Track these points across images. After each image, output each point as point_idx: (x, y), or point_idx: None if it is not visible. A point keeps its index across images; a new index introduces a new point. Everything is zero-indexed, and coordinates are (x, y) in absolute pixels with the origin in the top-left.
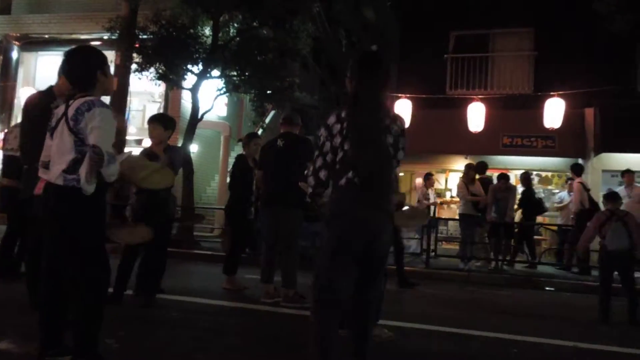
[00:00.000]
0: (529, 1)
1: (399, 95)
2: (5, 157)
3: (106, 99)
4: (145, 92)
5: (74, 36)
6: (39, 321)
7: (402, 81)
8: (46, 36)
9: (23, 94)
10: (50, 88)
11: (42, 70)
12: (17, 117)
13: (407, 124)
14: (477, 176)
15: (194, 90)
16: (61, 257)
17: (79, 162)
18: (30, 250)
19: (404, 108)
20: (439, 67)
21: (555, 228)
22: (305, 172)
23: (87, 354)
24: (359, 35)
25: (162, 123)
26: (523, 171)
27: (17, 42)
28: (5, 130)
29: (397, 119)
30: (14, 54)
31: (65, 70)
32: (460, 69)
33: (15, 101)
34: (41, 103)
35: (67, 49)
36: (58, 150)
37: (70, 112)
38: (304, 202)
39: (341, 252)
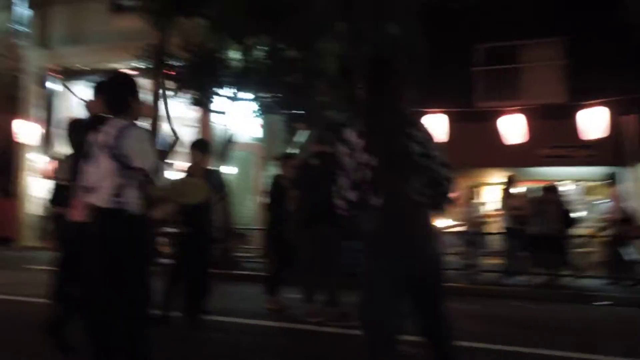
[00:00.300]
0: (557, 11)
1: (432, 110)
2: (56, 185)
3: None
4: (179, 117)
5: (109, 66)
6: (91, 343)
7: (433, 96)
8: (82, 67)
9: (63, 124)
10: (95, 114)
11: (79, 100)
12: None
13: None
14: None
15: (225, 113)
16: (108, 279)
17: (123, 185)
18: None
19: (438, 122)
20: (467, 80)
21: (602, 239)
22: (333, 193)
23: None
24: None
25: (199, 149)
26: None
27: (55, 74)
28: (58, 160)
29: (417, 125)
30: (53, 86)
31: (101, 96)
32: (489, 81)
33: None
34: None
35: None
36: (100, 174)
37: (107, 138)
38: (341, 219)
39: (379, 273)
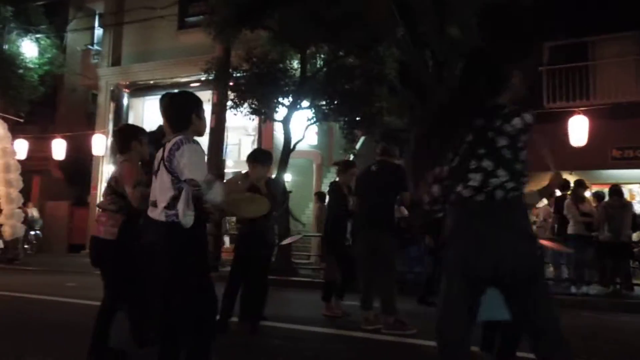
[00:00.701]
0: (630, 4)
1: None
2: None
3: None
4: (240, 126)
5: (175, 80)
6: (159, 352)
7: None
8: (151, 82)
9: None
10: (161, 127)
11: (148, 113)
12: None
13: None
14: (559, 193)
15: (285, 121)
16: (167, 290)
17: (176, 198)
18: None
19: None
20: (534, 80)
21: None
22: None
23: None
24: (445, 55)
25: (260, 162)
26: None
27: (126, 90)
28: None
29: (514, 115)
30: (125, 101)
31: (163, 113)
32: (557, 80)
33: None
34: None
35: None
36: (160, 189)
37: (166, 153)
38: (397, 226)
39: (458, 276)
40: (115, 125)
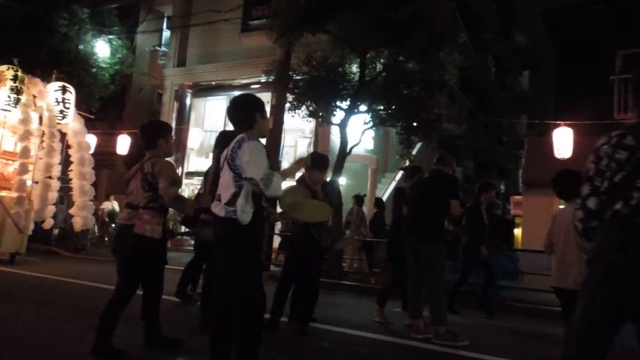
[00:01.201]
0: None
1: (557, 122)
2: (197, 193)
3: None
4: (297, 128)
5: (236, 81)
6: (209, 341)
7: (559, 108)
8: (213, 83)
9: (194, 135)
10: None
11: (210, 113)
12: (190, 156)
13: (568, 154)
14: None
15: (342, 125)
16: (225, 281)
17: (236, 195)
18: (206, 276)
19: (563, 136)
20: (604, 90)
21: None
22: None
23: None
24: (508, 61)
25: (318, 167)
26: None
27: (190, 90)
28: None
29: None
30: (187, 101)
31: (229, 114)
32: (630, 90)
33: (189, 142)
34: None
35: (230, 93)
36: (224, 185)
37: (229, 152)
38: (445, 236)
39: (602, 298)
40: (178, 124)
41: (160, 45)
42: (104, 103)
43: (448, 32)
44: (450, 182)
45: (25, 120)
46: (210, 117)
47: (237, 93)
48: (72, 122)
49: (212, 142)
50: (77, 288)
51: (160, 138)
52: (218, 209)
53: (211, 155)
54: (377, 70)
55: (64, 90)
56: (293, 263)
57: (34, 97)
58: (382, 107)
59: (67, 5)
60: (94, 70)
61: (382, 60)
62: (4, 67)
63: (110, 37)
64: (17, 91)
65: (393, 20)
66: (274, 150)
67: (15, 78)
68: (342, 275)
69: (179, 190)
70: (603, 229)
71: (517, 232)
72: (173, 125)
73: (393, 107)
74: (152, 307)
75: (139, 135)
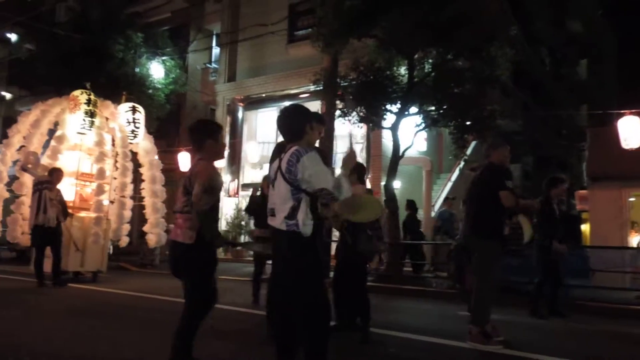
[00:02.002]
0: None
1: (622, 112)
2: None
3: None
4: (348, 134)
5: (285, 92)
6: (276, 354)
7: (623, 96)
8: (263, 95)
9: (247, 148)
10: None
11: (261, 125)
12: (244, 168)
13: (637, 143)
14: None
15: (393, 128)
16: (288, 292)
17: (296, 208)
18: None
19: (629, 126)
20: None
21: None
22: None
23: None
24: (563, 51)
25: (360, 179)
26: None
27: (241, 103)
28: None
29: None
30: (239, 114)
31: (279, 124)
32: None
33: (242, 155)
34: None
35: (280, 104)
36: (279, 199)
37: (283, 164)
38: (497, 233)
39: None
40: (231, 137)
41: (210, 62)
42: (160, 122)
43: (497, 26)
44: (493, 173)
45: (99, 142)
46: (262, 129)
47: (287, 103)
48: (143, 141)
49: (265, 153)
50: (154, 303)
51: (209, 138)
52: (277, 222)
53: (266, 166)
54: (426, 70)
55: (134, 110)
56: (338, 269)
57: (107, 119)
58: (433, 108)
59: (122, 31)
60: (150, 91)
61: (430, 60)
62: (77, 92)
63: (164, 58)
64: (91, 114)
65: (439, 19)
66: (326, 157)
67: (89, 102)
68: (402, 279)
69: (217, 198)
70: None
71: (584, 228)
72: (227, 139)
73: (444, 106)
74: (188, 323)
75: (279, 126)
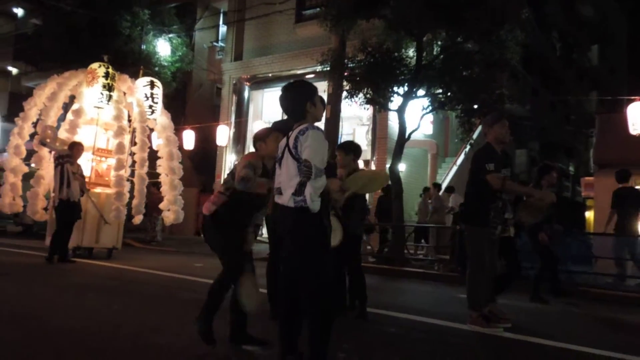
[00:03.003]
0: None
1: (632, 98)
2: None
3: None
4: (354, 116)
5: (292, 72)
6: (278, 330)
7: (633, 82)
8: (270, 75)
9: (253, 127)
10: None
11: (268, 105)
12: (250, 148)
13: None
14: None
15: (400, 111)
16: (295, 271)
17: (303, 184)
18: (269, 265)
19: (638, 112)
20: None
21: None
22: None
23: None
24: (575, 35)
25: (343, 150)
26: None
27: (247, 83)
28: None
29: None
30: (246, 94)
31: (281, 104)
32: None
33: (248, 134)
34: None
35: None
36: (286, 176)
37: (291, 141)
38: (483, 219)
39: None
40: (237, 117)
41: (217, 40)
42: (167, 100)
43: (509, 9)
44: (475, 158)
45: (118, 117)
46: (268, 108)
47: None
48: (160, 117)
49: None
50: (151, 278)
51: (308, 101)
52: (285, 199)
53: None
54: (435, 53)
55: (152, 85)
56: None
57: (124, 93)
58: (440, 91)
59: (129, 8)
60: (156, 69)
61: (439, 43)
62: (95, 65)
63: (170, 35)
64: (109, 88)
65: (450, 0)
66: (332, 139)
67: (107, 75)
68: (404, 262)
69: (247, 186)
70: None
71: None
72: (232, 118)
73: (452, 89)
74: (215, 292)
75: (282, 105)
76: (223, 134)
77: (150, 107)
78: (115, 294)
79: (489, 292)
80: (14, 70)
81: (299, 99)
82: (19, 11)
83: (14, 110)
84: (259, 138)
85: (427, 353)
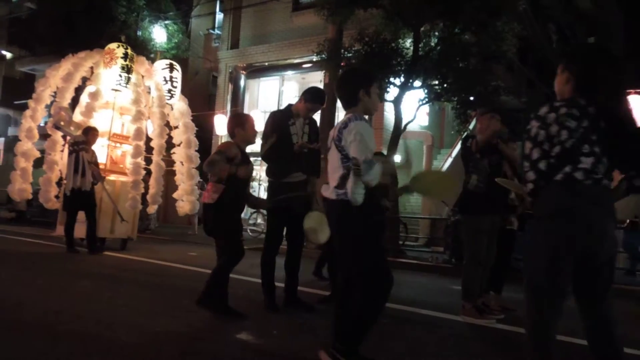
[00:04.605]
0: None
1: (627, 90)
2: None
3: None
4: None
5: (289, 61)
6: (334, 319)
7: (630, 74)
8: (266, 64)
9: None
10: (289, 106)
11: (263, 94)
12: None
13: None
14: None
15: (396, 102)
16: (344, 264)
17: (345, 177)
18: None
19: (636, 105)
20: None
21: None
22: (524, 169)
23: (351, 353)
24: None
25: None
26: None
27: (243, 71)
28: None
29: (616, 109)
30: (242, 82)
31: (336, 91)
32: None
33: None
34: (281, 119)
35: (283, 73)
36: (330, 168)
37: (336, 132)
38: (474, 207)
39: (562, 256)
40: (233, 105)
41: (214, 28)
42: None
43: (506, 0)
44: (462, 149)
45: (136, 101)
46: (264, 97)
47: (290, 73)
48: (178, 102)
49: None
50: (146, 266)
51: (361, 89)
52: (328, 192)
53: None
54: (432, 44)
55: (171, 68)
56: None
57: (142, 76)
58: (437, 82)
59: None
60: (152, 55)
61: (436, 34)
62: (114, 45)
63: (167, 22)
64: (128, 70)
65: None
66: (327, 128)
67: (125, 56)
68: (398, 253)
69: (211, 169)
70: (553, 189)
71: None
72: (228, 107)
73: (448, 81)
74: (220, 275)
75: (336, 92)
76: (220, 123)
77: (170, 91)
78: (154, 288)
79: (484, 283)
80: (8, 55)
81: (352, 86)
82: None
83: (8, 95)
84: (237, 124)
85: (421, 344)
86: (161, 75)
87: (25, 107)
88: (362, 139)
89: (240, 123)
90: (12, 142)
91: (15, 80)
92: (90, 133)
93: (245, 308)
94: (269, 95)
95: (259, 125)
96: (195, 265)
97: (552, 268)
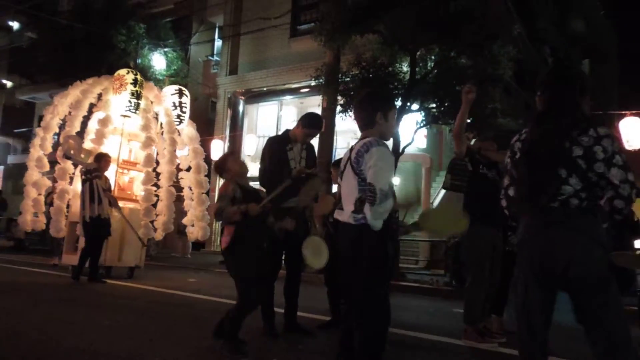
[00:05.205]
0: None
1: (623, 112)
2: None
3: None
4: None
5: (287, 86)
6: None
7: (624, 96)
8: (264, 89)
9: (247, 141)
10: (287, 132)
11: (262, 119)
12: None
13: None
14: None
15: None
16: (355, 290)
17: (363, 201)
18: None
19: (631, 127)
20: None
21: None
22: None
23: None
24: (566, 51)
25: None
26: None
27: (242, 97)
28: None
29: (590, 126)
30: (240, 107)
31: (354, 113)
32: None
33: (242, 148)
34: (279, 144)
35: (281, 98)
36: (347, 191)
37: (353, 154)
38: (487, 218)
39: (530, 282)
40: (231, 130)
41: (212, 54)
42: None
43: (501, 24)
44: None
45: (146, 127)
46: (262, 122)
47: (288, 97)
48: (187, 127)
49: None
50: (143, 293)
51: (379, 112)
52: (345, 217)
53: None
54: (428, 67)
55: (180, 93)
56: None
57: (151, 102)
58: (434, 105)
59: (124, 22)
60: (151, 82)
61: (432, 57)
62: (123, 71)
63: (166, 49)
64: (137, 96)
65: (443, 15)
66: (326, 152)
67: (135, 82)
68: (398, 276)
69: (221, 219)
70: (526, 214)
71: None
72: (227, 132)
73: (445, 104)
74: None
75: (354, 115)
76: (217, 149)
77: (179, 116)
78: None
79: (488, 306)
80: (8, 84)
81: (370, 109)
82: (15, 24)
83: (9, 123)
84: (221, 170)
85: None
86: (170, 101)
87: (25, 135)
88: (382, 167)
89: (223, 169)
90: (12, 170)
91: (15, 108)
92: (103, 160)
93: (244, 334)
94: (268, 119)
95: (254, 148)
96: (194, 292)
97: (526, 301)
